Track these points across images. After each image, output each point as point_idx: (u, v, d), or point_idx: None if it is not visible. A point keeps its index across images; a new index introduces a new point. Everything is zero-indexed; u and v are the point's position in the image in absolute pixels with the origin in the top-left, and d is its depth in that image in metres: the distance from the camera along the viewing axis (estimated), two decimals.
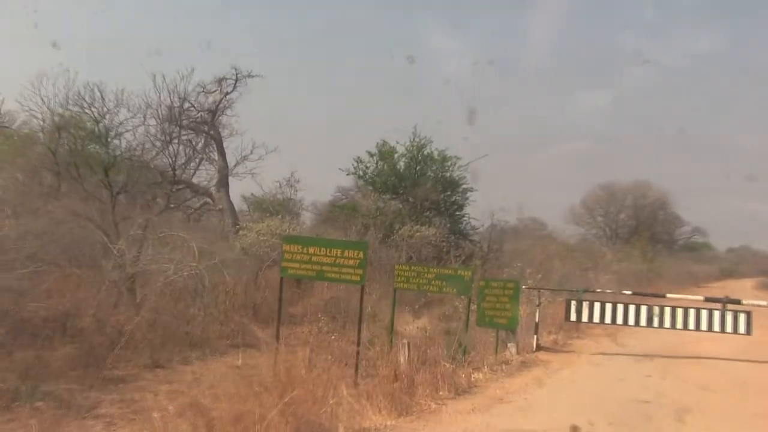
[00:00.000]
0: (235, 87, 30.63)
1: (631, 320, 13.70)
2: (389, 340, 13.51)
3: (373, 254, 22.34)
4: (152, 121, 20.46)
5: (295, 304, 20.41)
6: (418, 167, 26.50)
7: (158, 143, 20.14)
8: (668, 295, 14.60)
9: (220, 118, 30.71)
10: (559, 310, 15.18)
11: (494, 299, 13.69)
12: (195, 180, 31.39)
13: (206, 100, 30.16)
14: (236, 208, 32.07)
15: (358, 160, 26.56)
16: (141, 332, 14.08)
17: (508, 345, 13.83)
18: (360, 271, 12.60)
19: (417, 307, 18.65)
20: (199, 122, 30.45)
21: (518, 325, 13.83)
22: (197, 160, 31.19)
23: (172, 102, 22.42)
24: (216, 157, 30.66)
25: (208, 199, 30.92)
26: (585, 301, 13.93)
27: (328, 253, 12.98)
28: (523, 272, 17.98)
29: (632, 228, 50.23)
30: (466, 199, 27.38)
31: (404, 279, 13.59)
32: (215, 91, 30.52)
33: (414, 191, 25.54)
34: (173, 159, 19.57)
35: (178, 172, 29.58)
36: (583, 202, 50.26)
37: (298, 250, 13.20)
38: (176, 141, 19.75)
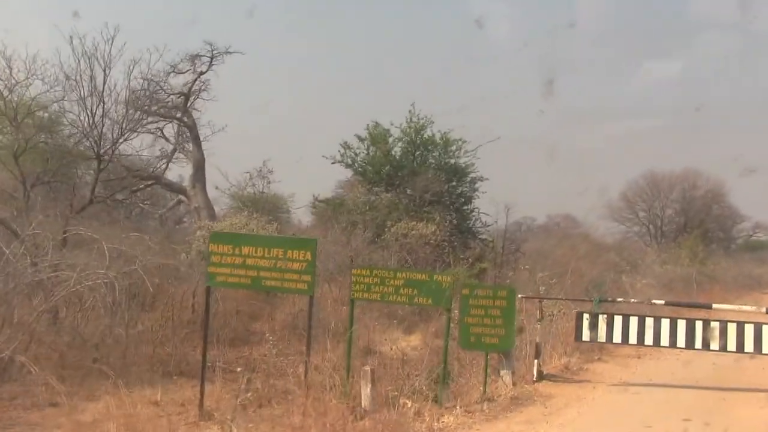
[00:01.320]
0: (210, 66, 28.49)
1: (665, 339, 10.95)
2: (346, 367, 11.12)
3: (357, 257, 19.86)
4: (74, 96, 17.57)
5: (259, 318, 17.93)
6: (417, 153, 23.78)
7: (80, 123, 17.43)
8: (716, 306, 11.80)
9: (194, 101, 28.63)
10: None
11: (482, 312, 11.13)
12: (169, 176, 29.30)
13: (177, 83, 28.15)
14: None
15: (345, 146, 23.87)
16: (31, 360, 11.76)
17: (501, 373, 11.24)
18: (307, 278, 10.47)
19: (395, 321, 16.08)
20: (170, 107, 28.33)
21: (514, 346, 11.19)
22: (170, 152, 29.08)
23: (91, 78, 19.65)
24: (190, 148, 28.59)
25: (182, 197, 28.71)
26: (602, 314, 11.20)
27: (266, 254, 10.69)
28: (533, 276, 15.29)
29: (680, 225, 46.78)
30: (475, 190, 24.57)
31: (364, 287, 11.24)
32: (188, 70, 28.40)
33: (412, 182, 22.81)
34: (97, 141, 16.87)
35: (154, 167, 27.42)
36: (623, 194, 46.62)
37: (228, 250, 11.04)
38: (102, 120, 16.98)
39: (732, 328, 10.85)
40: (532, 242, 27.12)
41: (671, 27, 66.02)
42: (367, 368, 10.82)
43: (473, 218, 24.61)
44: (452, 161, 23.83)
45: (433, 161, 23.84)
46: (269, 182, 28.18)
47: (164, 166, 29.03)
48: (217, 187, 28.69)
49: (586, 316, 11.27)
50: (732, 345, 10.80)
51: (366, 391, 10.64)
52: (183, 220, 33.18)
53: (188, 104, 28.30)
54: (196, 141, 28.23)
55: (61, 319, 13.64)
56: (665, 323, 11.03)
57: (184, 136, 28.83)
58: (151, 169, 28.47)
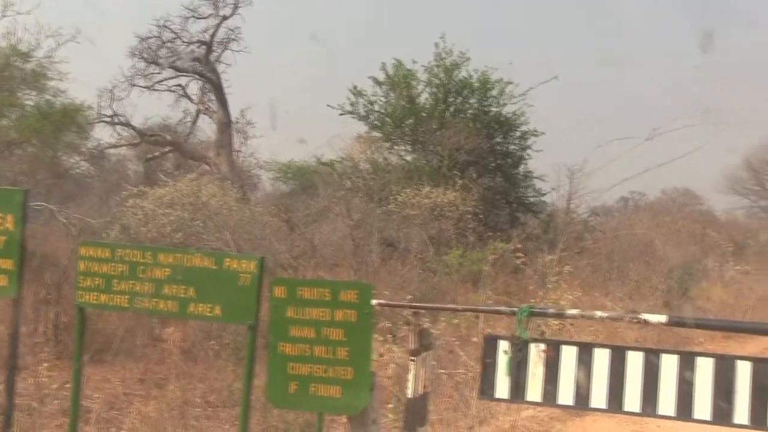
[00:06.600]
0: (235, 9, 24.18)
1: (668, 402, 4.80)
2: None
3: (353, 233, 14.72)
4: None
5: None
6: (449, 99, 18.15)
7: None
8: None
9: (221, 53, 24.60)
10: None
11: (311, 334, 5.56)
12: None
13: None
14: None
15: (357, 92, 18.43)
16: None
17: None
18: (8, 264, 5.39)
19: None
20: (191, 60, 24.46)
21: (370, 403, 5.60)
22: (194, 113, 25.17)
23: None
24: (216, 108, 24.61)
25: (206, 166, 24.67)
26: (535, 341, 5.35)
27: None
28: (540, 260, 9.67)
29: None
30: (526, 148, 18.61)
31: (100, 282, 5.79)
32: (209, 15, 24.29)
33: (442, 137, 17.21)
34: None
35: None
36: (747, 161, 37.59)
37: None
38: None
39: None
40: (620, 219, 20.94)
41: None
42: None
43: (525, 185, 18.76)
44: (494, 110, 18.09)
45: (471, 111, 18.18)
46: (246, 137, 24.67)
47: (188, 128, 25.28)
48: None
49: (503, 346, 5.48)
50: None
51: None
52: None
53: (210, 55, 24.24)
54: (221, 100, 24.16)
55: None
56: (670, 363, 5.02)
57: (209, 94, 24.82)
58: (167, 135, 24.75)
